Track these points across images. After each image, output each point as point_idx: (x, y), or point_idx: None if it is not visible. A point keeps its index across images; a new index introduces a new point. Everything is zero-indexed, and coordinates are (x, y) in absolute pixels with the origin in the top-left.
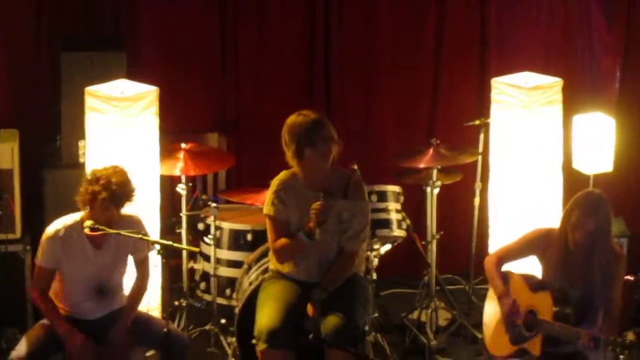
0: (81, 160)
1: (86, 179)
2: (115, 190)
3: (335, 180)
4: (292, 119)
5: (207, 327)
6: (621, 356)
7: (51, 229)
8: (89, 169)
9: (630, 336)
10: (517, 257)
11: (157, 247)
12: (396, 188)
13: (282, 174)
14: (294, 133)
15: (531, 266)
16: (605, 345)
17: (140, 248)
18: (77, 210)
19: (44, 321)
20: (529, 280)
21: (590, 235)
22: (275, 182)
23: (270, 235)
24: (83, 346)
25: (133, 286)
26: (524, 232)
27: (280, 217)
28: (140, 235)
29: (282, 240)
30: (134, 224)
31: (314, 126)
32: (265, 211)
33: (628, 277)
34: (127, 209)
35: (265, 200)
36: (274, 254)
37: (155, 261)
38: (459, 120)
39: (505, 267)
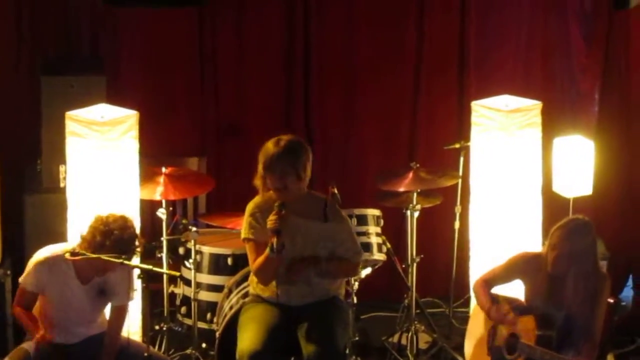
0: (62, 184)
1: (95, 226)
2: (127, 246)
3: (312, 205)
4: (268, 142)
5: (188, 351)
6: None
7: (41, 255)
8: (70, 193)
9: None
10: (503, 281)
11: (137, 279)
12: (376, 211)
13: (257, 198)
14: (261, 157)
15: (516, 290)
16: None
17: (120, 295)
18: (57, 234)
19: (23, 345)
20: (512, 303)
21: (565, 258)
22: (250, 206)
23: (250, 258)
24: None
25: (105, 338)
26: (509, 256)
27: (259, 239)
28: (120, 260)
29: (258, 260)
30: (124, 266)
31: (277, 156)
32: (243, 235)
33: (609, 299)
34: None
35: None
36: (255, 276)
37: (136, 285)
38: (439, 143)
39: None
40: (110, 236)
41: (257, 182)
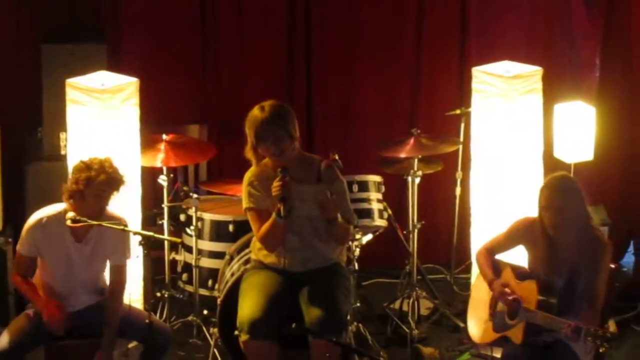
0: (62, 152)
1: (76, 169)
2: (111, 173)
3: (306, 168)
4: (252, 112)
5: (190, 318)
6: (601, 348)
7: (33, 218)
8: (71, 161)
9: (611, 328)
10: (506, 247)
11: (138, 246)
12: (377, 178)
13: (253, 168)
14: (250, 127)
15: (519, 257)
16: (586, 336)
17: (118, 254)
18: (58, 202)
19: (27, 312)
20: (516, 269)
21: (559, 213)
22: (247, 177)
23: (254, 228)
24: (58, 311)
25: (106, 303)
26: (511, 222)
27: (260, 207)
28: (122, 227)
29: (263, 228)
30: (120, 222)
31: (267, 122)
32: (244, 205)
33: (610, 265)
34: (113, 209)
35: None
36: (261, 243)
37: (137, 252)
38: (440, 109)
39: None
40: (92, 167)
41: (249, 154)
